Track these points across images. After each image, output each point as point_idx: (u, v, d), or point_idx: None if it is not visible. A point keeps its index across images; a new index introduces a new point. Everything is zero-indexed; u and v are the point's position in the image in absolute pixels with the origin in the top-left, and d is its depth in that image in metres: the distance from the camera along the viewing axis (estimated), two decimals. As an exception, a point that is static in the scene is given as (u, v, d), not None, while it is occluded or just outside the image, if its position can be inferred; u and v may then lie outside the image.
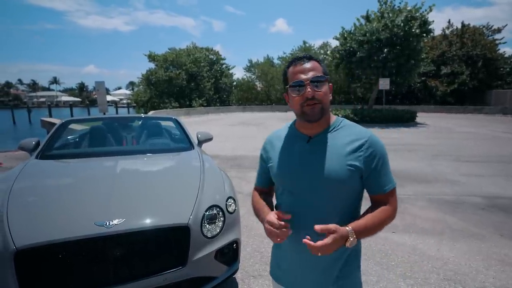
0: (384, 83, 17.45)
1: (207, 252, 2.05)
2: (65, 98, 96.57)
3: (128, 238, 1.86)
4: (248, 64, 36.48)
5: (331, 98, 1.12)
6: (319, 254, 0.96)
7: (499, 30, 28.11)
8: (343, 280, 1.12)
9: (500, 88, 26.25)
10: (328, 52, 28.13)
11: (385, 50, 17.13)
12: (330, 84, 1.12)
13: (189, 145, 3.52)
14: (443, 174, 6.19)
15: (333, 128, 1.13)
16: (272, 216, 1.06)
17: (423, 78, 26.31)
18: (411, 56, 17.52)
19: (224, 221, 2.21)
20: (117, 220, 1.87)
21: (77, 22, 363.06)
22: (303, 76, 1.05)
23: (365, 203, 1.16)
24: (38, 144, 3.29)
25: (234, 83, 34.76)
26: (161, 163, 3.09)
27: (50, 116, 26.68)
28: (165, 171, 2.94)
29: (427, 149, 8.97)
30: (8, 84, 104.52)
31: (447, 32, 29.13)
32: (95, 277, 1.80)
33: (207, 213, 2.14)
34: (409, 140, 11.00)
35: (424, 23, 16.83)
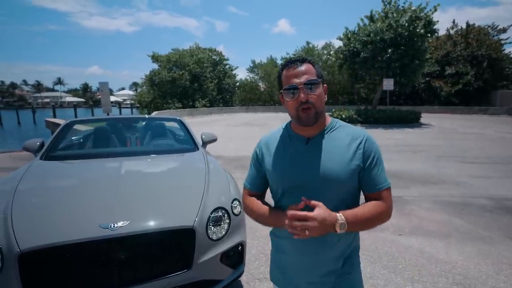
0: (388, 84, 17.37)
1: (212, 254, 2.02)
2: (69, 98, 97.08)
3: (132, 240, 1.84)
4: (251, 65, 36.53)
5: (326, 99, 1.13)
6: (307, 233, 0.96)
7: (504, 30, 27.90)
8: (345, 275, 1.13)
9: (505, 89, 26.03)
10: (331, 52, 28.06)
11: (389, 50, 17.03)
12: (325, 85, 1.13)
13: (193, 146, 3.50)
14: (449, 175, 6.12)
15: (330, 129, 1.14)
16: (294, 210, 1.01)
17: (427, 79, 26.16)
18: (416, 56, 17.41)
19: (229, 223, 2.17)
20: (121, 222, 1.84)
21: (80, 23, 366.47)
22: (296, 80, 1.05)
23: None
24: (42, 145, 3.28)
25: (237, 83, 34.79)
26: (165, 164, 3.07)
27: (55, 116, 26.81)
28: (169, 173, 2.92)
29: (432, 150, 8.89)
30: (13, 85, 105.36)
31: (452, 32, 28.95)
32: (99, 280, 1.78)
33: (212, 215, 2.11)
34: (413, 141, 10.91)
35: (429, 23, 16.72)
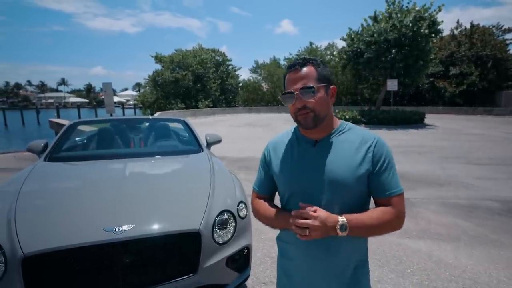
0: (392, 84, 17.27)
1: (218, 258, 1.98)
2: (73, 99, 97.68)
3: (137, 244, 1.80)
4: (254, 65, 36.51)
5: (333, 101, 1.10)
6: (307, 233, 0.97)
7: (509, 30, 27.70)
8: (353, 284, 1.10)
9: (510, 89, 25.78)
10: (335, 53, 27.95)
11: (393, 50, 16.90)
12: (333, 86, 1.09)
13: (198, 148, 3.47)
14: (455, 177, 6.05)
15: (339, 132, 1.11)
16: (300, 210, 1.01)
17: (431, 79, 25.99)
18: (420, 56, 17.28)
19: (235, 226, 2.14)
20: (126, 226, 1.81)
21: (85, 24, 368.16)
22: (293, 86, 1.05)
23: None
24: (46, 146, 3.26)
25: (240, 84, 34.78)
26: (170, 166, 3.04)
27: (58, 117, 26.95)
28: (174, 174, 2.89)
29: (437, 151, 8.81)
30: (18, 86, 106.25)
31: (456, 32, 28.76)
32: (103, 285, 1.75)
33: (218, 218, 2.08)
34: (418, 142, 10.83)
35: (433, 23, 16.60)
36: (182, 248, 1.93)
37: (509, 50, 27.08)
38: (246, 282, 2.40)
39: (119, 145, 3.50)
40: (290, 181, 1.12)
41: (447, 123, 17.37)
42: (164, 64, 29.43)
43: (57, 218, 1.92)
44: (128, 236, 1.77)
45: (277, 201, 1.24)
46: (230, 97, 32.97)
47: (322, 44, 72.66)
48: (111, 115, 12.28)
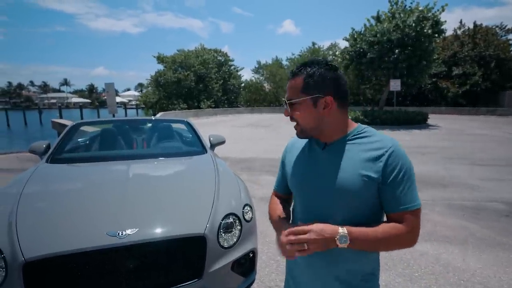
0: (395, 84, 17.19)
1: (223, 263, 1.94)
2: (75, 99, 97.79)
3: (141, 249, 1.76)
4: (256, 66, 36.48)
5: (328, 112, 0.99)
6: (306, 247, 0.90)
7: (513, 30, 27.53)
8: None
9: (514, 89, 25.66)
10: (337, 53, 27.87)
11: (396, 51, 16.84)
12: (326, 97, 0.98)
13: (201, 149, 3.43)
14: (460, 178, 5.99)
15: (353, 136, 1.03)
16: (291, 229, 0.95)
17: (434, 79, 25.88)
18: (423, 56, 17.21)
19: (241, 230, 2.10)
20: (130, 230, 1.77)
21: (87, 24, 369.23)
22: (286, 95, 1.05)
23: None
24: (48, 147, 3.23)
25: (242, 84, 34.75)
26: (174, 168, 3.00)
27: (61, 117, 26.97)
28: (178, 176, 2.84)
29: (441, 152, 8.74)
30: (20, 86, 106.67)
31: (459, 32, 28.64)
32: (107, 290, 1.71)
33: (224, 221, 2.04)
34: (421, 142, 10.75)
35: (436, 23, 16.52)
36: (187, 253, 1.89)
37: (512, 50, 26.95)
38: (251, 287, 2.36)
39: (122, 146, 3.46)
40: (294, 183, 1.11)
41: (450, 124, 17.27)
42: (166, 65, 29.45)
43: (59, 221, 1.88)
44: (132, 240, 1.73)
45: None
46: (232, 97, 32.95)
47: (324, 44, 72.55)
48: (113, 115, 12.27)
